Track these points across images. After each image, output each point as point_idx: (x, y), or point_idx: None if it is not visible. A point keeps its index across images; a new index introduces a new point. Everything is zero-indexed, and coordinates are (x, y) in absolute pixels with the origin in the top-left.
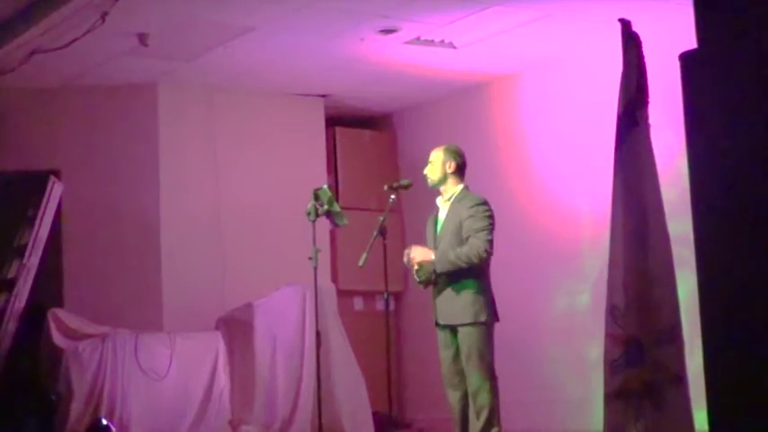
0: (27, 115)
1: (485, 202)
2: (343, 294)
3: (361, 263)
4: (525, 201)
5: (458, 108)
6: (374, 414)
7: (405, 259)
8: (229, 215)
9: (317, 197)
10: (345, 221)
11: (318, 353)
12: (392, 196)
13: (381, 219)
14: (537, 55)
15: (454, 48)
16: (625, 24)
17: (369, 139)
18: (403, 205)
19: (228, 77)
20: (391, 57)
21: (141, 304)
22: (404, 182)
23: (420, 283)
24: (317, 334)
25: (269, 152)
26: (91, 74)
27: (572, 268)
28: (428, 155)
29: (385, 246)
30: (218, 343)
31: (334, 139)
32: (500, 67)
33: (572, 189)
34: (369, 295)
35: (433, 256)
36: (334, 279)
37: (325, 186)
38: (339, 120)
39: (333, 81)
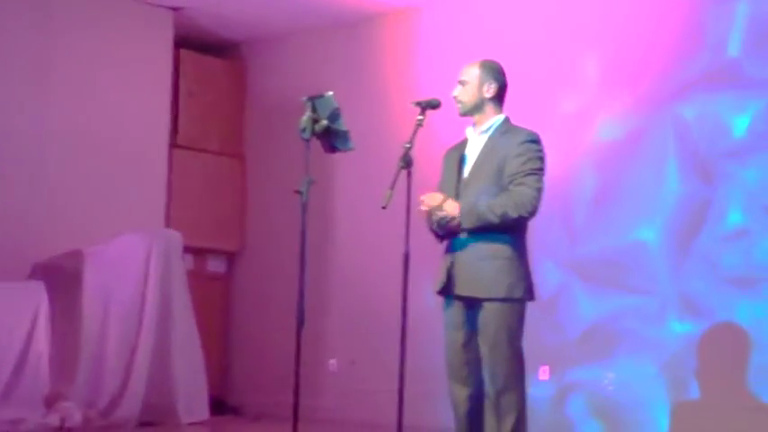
0: None
1: (538, 140)
2: None
3: (384, 202)
4: None
5: (325, 45)
6: None
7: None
8: (56, 137)
9: (314, 108)
10: (351, 145)
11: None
12: (419, 116)
13: (407, 146)
14: None
15: None
16: None
17: (217, 68)
18: None
19: None
20: None
21: None
22: (433, 100)
23: (436, 231)
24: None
25: (109, 70)
26: None
27: None
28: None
29: (409, 181)
30: (40, 296)
31: (178, 64)
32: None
33: None
34: (200, 253)
35: (455, 208)
36: None
37: (330, 94)
38: (187, 41)
39: None
